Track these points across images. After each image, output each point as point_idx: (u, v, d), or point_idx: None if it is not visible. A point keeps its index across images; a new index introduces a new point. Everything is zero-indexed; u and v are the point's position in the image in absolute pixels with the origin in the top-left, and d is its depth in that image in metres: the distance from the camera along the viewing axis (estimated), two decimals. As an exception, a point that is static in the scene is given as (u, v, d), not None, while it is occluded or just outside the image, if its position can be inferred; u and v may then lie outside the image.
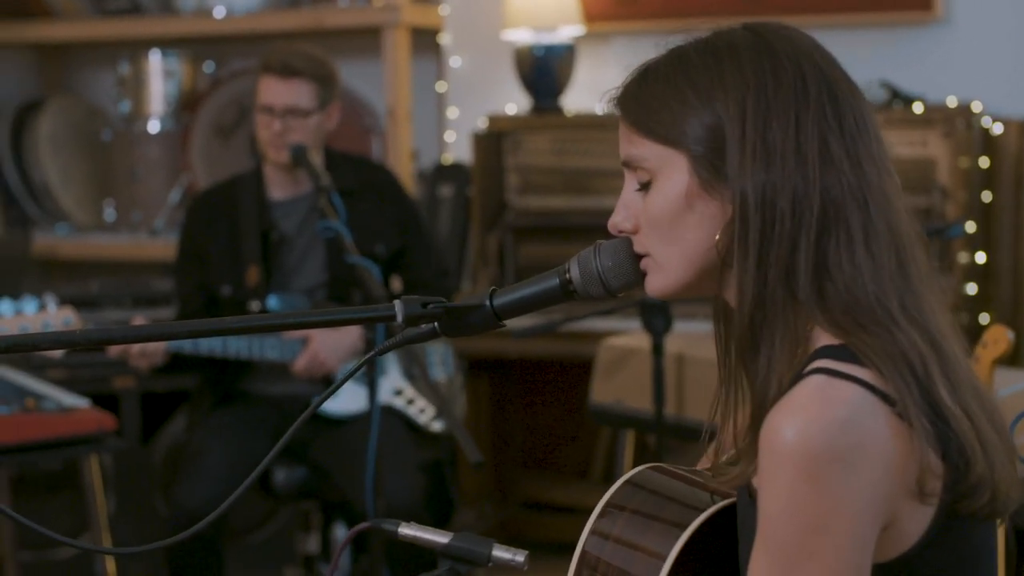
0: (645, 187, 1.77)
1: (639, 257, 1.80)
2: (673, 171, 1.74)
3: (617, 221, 1.80)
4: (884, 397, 1.63)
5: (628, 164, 1.79)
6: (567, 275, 1.82)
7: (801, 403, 1.62)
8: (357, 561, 4.82)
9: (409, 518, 3.87)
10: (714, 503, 1.83)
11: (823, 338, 1.70)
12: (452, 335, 1.85)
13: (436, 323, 1.83)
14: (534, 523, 5.32)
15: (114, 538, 4.62)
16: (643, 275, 1.80)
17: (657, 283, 1.78)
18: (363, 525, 1.92)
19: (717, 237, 1.72)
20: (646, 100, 1.76)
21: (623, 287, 1.82)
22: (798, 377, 1.66)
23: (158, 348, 3.85)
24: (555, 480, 5.38)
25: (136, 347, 3.83)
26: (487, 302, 1.83)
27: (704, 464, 2.01)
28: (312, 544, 4.49)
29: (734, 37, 1.76)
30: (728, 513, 1.82)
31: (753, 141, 1.69)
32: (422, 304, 1.82)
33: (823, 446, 1.59)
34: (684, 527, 1.80)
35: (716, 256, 1.73)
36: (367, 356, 1.83)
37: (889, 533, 1.65)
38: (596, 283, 1.81)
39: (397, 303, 1.81)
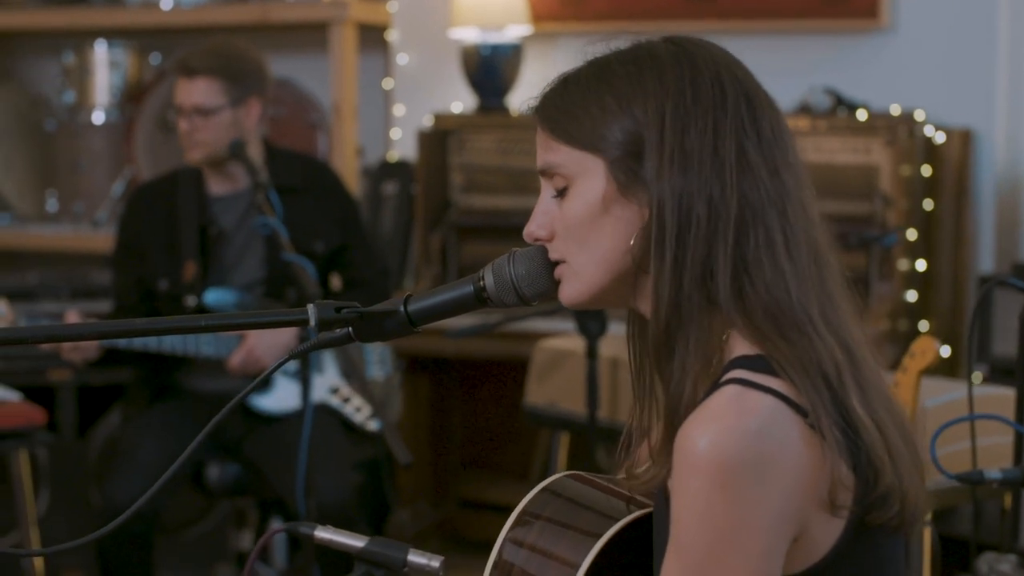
0: (562, 193, 1.77)
1: (554, 265, 1.79)
2: (590, 176, 1.74)
3: (532, 229, 1.80)
4: (797, 408, 1.64)
5: (545, 172, 1.79)
6: (481, 282, 1.82)
7: (716, 412, 1.63)
8: (292, 559, 4.80)
9: (340, 517, 3.91)
10: (630, 512, 1.82)
11: (740, 347, 1.70)
12: (367, 340, 1.84)
13: (350, 328, 1.82)
14: (472, 523, 5.31)
15: (48, 532, 4.59)
16: (557, 283, 1.79)
17: (571, 291, 1.79)
18: (277, 528, 1.92)
19: (632, 242, 1.72)
20: (566, 107, 1.76)
21: (537, 295, 1.81)
22: (714, 386, 1.67)
23: (91, 342, 3.82)
24: (494, 480, 5.37)
25: (69, 343, 3.81)
26: (401, 308, 1.83)
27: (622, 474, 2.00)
28: (246, 541, 4.48)
29: (655, 48, 1.76)
30: (643, 523, 1.82)
31: (671, 146, 1.70)
32: (336, 308, 1.81)
33: (736, 456, 1.59)
34: (598, 536, 1.80)
35: (631, 262, 1.73)
36: (279, 362, 1.81)
37: (799, 544, 1.66)
38: (510, 291, 1.81)
39: (310, 307, 1.80)
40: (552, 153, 1.77)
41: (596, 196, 1.73)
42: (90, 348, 3.86)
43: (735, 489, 1.59)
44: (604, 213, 1.73)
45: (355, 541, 1.87)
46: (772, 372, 1.65)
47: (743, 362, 1.67)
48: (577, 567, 1.79)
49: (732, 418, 1.61)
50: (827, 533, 1.66)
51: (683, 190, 1.69)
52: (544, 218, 1.79)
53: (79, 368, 4.50)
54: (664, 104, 1.71)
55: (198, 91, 4.01)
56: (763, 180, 1.70)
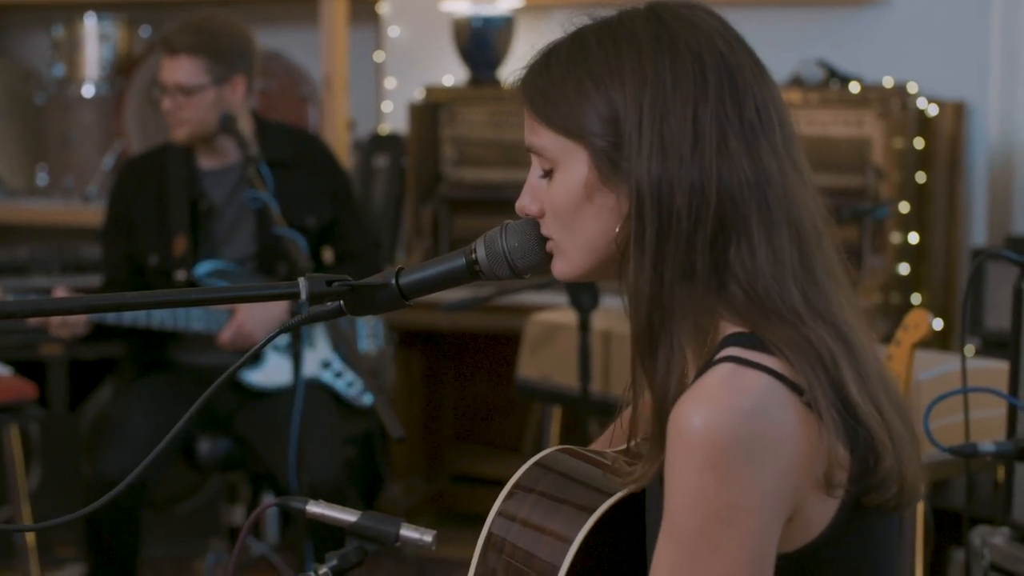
0: (548, 175, 1.76)
1: (546, 239, 1.78)
2: (573, 162, 1.72)
3: (524, 203, 1.79)
4: (792, 386, 1.62)
5: (532, 151, 1.78)
6: (473, 255, 1.81)
7: (709, 391, 1.61)
8: (284, 534, 4.80)
9: (332, 492, 3.90)
10: (623, 487, 1.81)
11: (731, 327, 1.68)
12: (358, 313, 1.83)
13: (342, 301, 1.81)
14: (465, 496, 5.31)
15: (40, 507, 4.58)
16: (550, 256, 1.78)
17: (561, 267, 1.78)
18: (268, 503, 1.91)
19: (617, 230, 1.71)
20: (547, 89, 1.74)
21: (529, 268, 1.80)
22: (707, 365, 1.65)
23: (79, 318, 3.80)
24: (486, 453, 5.37)
25: (57, 316, 3.78)
26: (393, 281, 1.82)
27: (604, 440, 1.99)
28: (238, 516, 4.47)
29: (635, 24, 1.72)
30: (637, 498, 1.81)
31: (649, 137, 1.67)
32: (327, 282, 1.80)
33: (730, 435, 1.58)
34: (591, 511, 1.79)
35: (616, 249, 1.71)
36: (270, 336, 1.80)
37: (794, 523, 1.65)
38: (502, 263, 1.80)
39: (301, 280, 1.79)
40: (536, 136, 1.75)
41: (579, 183, 1.72)
42: (78, 324, 3.83)
43: (729, 468, 1.58)
44: (587, 200, 1.72)
45: (347, 516, 1.86)
46: (766, 350, 1.63)
47: (737, 339, 1.66)
48: (570, 542, 1.78)
49: (726, 397, 1.60)
50: (822, 512, 1.65)
51: (662, 182, 1.66)
52: (534, 193, 1.78)
53: (69, 343, 4.50)
54: (642, 92, 1.68)
55: (180, 69, 3.97)
56: (744, 168, 1.67)
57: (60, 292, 3.92)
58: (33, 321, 3.93)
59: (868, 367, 1.70)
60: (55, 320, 3.80)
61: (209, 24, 4.03)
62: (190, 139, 4.03)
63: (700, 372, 1.65)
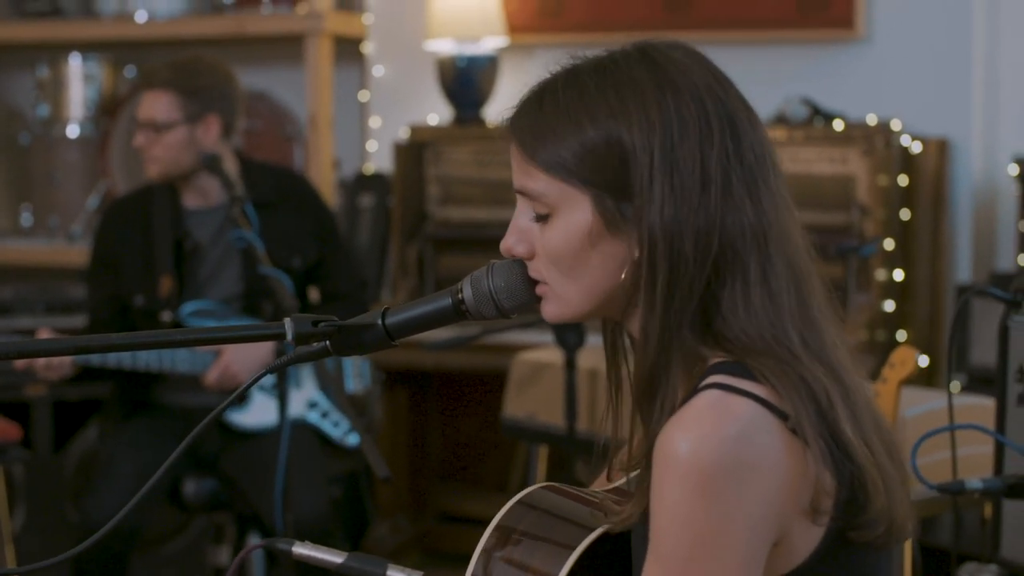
0: (543, 219, 1.73)
1: (533, 280, 1.78)
2: (574, 208, 1.70)
3: (510, 244, 1.77)
4: (778, 413, 1.62)
5: (523, 194, 1.75)
6: (459, 295, 1.80)
7: (695, 417, 1.61)
8: (270, 575, 4.77)
9: (318, 532, 3.88)
10: (606, 523, 1.81)
11: (718, 356, 1.68)
12: (344, 354, 1.83)
13: (328, 341, 1.81)
14: (451, 536, 5.30)
15: (24, 549, 4.55)
16: (537, 298, 1.78)
17: (554, 310, 1.77)
18: (254, 545, 1.90)
19: (623, 276, 1.70)
20: (544, 134, 1.70)
21: (516, 308, 1.80)
22: (693, 391, 1.65)
23: (65, 360, 3.79)
24: (473, 492, 5.35)
25: (42, 359, 3.77)
26: (379, 321, 1.82)
27: (600, 483, 1.99)
28: (223, 557, 4.44)
29: (632, 66, 1.71)
30: (621, 533, 1.80)
31: (661, 184, 1.66)
32: (313, 322, 1.80)
33: (716, 461, 1.58)
34: (573, 548, 1.79)
35: (621, 295, 1.71)
36: (255, 377, 1.80)
37: (779, 549, 1.65)
38: (488, 304, 1.79)
39: (287, 321, 1.79)
40: (531, 180, 1.72)
41: (582, 230, 1.70)
42: (64, 366, 3.81)
43: (715, 495, 1.58)
44: (590, 247, 1.70)
45: (333, 557, 1.86)
46: (752, 377, 1.64)
47: (722, 367, 1.66)
48: None
49: (712, 423, 1.60)
50: (807, 539, 1.65)
51: (673, 228, 1.66)
52: (523, 235, 1.76)
53: (53, 385, 4.48)
54: (652, 137, 1.66)
55: (152, 105, 3.97)
56: (746, 212, 1.68)
57: (44, 333, 3.90)
58: (19, 364, 3.89)
59: (860, 407, 1.70)
60: (40, 362, 3.78)
61: (191, 63, 4.03)
62: (163, 177, 4.02)
63: (686, 399, 1.65)
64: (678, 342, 1.68)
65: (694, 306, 1.67)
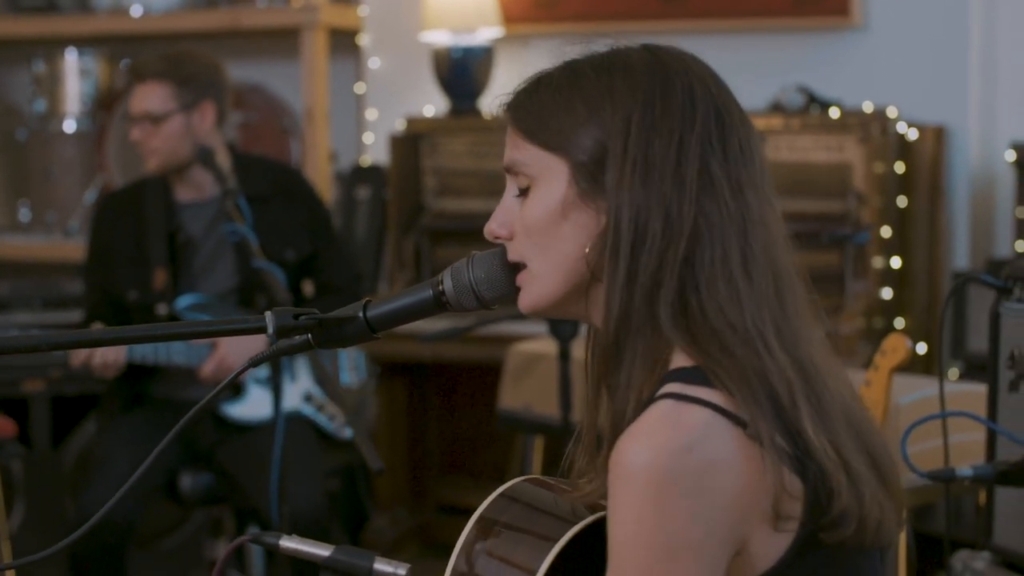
0: (524, 192, 1.76)
1: (513, 269, 1.78)
2: (553, 178, 1.73)
3: (493, 227, 1.79)
4: (735, 419, 1.61)
5: (510, 169, 1.78)
6: (440, 287, 1.81)
7: (649, 428, 1.61)
8: (269, 568, 4.77)
9: (314, 525, 3.88)
10: (588, 515, 1.81)
11: (679, 360, 1.68)
12: (326, 347, 1.83)
13: (309, 334, 1.80)
14: (450, 527, 5.28)
15: (23, 544, 4.55)
16: (517, 288, 1.78)
17: (529, 297, 1.77)
18: (243, 538, 1.90)
19: (588, 249, 1.70)
20: (535, 108, 1.74)
21: (496, 299, 1.80)
22: (649, 401, 1.65)
23: (120, 357, 3.85)
24: (471, 484, 5.35)
25: (99, 358, 3.83)
26: (360, 314, 1.81)
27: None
28: (222, 550, 4.45)
29: (630, 55, 1.75)
30: (602, 526, 1.80)
31: (634, 157, 1.68)
32: (294, 316, 1.79)
33: (670, 471, 1.57)
34: (555, 541, 1.78)
35: (586, 268, 1.71)
36: (238, 369, 1.79)
37: (741, 559, 1.63)
38: (469, 295, 1.79)
39: (268, 315, 1.79)
40: (518, 151, 1.75)
41: (556, 199, 1.72)
42: (120, 363, 3.86)
43: (669, 506, 1.57)
44: (563, 217, 1.72)
45: (320, 550, 1.86)
46: (708, 383, 1.63)
47: (679, 375, 1.65)
48: (535, 572, 1.77)
49: (665, 433, 1.59)
50: (770, 548, 1.63)
51: (641, 202, 1.67)
52: (505, 216, 1.78)
53: (53, 379, 4.49)
54: (631, 114, 1.69)
55: (148, 97, 3.97)
56: (725, 199, 1.68)
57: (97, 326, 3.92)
58: (75, 361, 3.91)
59: (830, 405, 1.68)
60: (97, 360, 3.83)
61: (177, 54, 4.04)
62: (162, 169, 4.03)
63: (642, 409, 1.65)
64: (643, 318, 1.67)
65: (667, 284, 1.67)
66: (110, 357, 3.85)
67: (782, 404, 1.64)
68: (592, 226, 1.71)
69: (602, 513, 1.80)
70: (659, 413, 1.62)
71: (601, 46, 1.78)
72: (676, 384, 1.64)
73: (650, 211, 1.67)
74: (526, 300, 1.77)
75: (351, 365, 4.29)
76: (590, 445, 1.81)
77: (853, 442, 1.69)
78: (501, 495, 1.88)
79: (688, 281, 1.67)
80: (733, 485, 1.60)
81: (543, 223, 1.73)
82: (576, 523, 1.79)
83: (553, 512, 1.83)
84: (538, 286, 1.76)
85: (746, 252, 1.68)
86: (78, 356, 3.86)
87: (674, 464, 1.57)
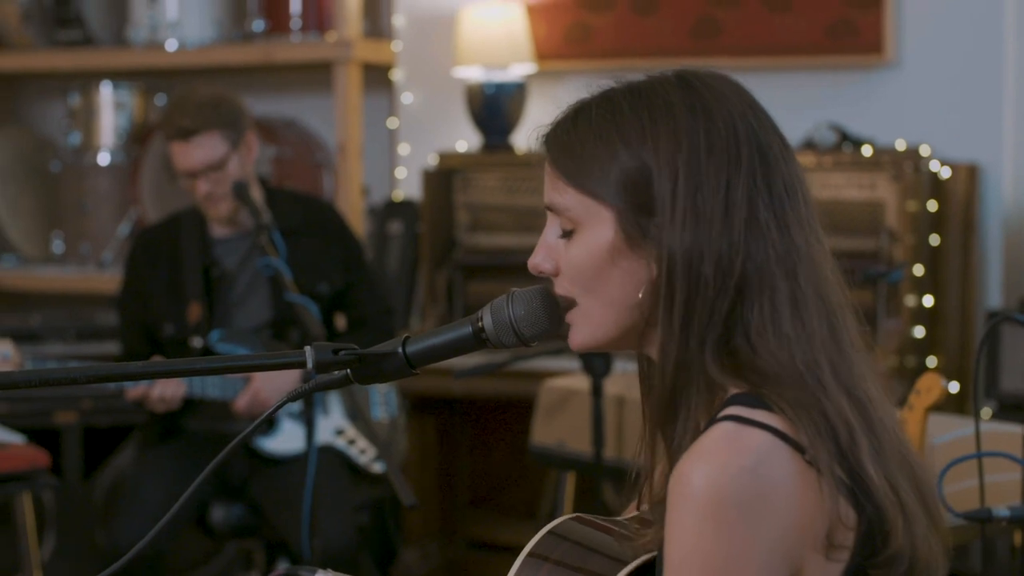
0: (568, 235, 1.74)
1: (555, 306, 1.77)
2: (598, 224, 1.71)
3: (537, 261, 1.78)
4: (794, 445, 1.61)
5: (551, 209, 1.77)
6: (480, 323, 1.80)
7: (709, 449, 1.61)
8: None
9: (345, 559, 3.88)
10: (637, 556, 1.80)
11: (737, 388, 1.68)
12: (365, 382, 1.83)
13: (348, 370, 1.81)
14: (481, 563, 5.29)
15: (54, 574, 4.57)
16: (557, 323, 1.77)
17: (581, 336, 1.76)
18: (277, 572, 1.90)
19: (640, 296, 1.70)
20: (575, 149, 1.72)
21: (536, 336, 1.79)
22: (710, 423, 1.65)
23: (178, 392, 3.88)
24: (502, 520, 5.34)
25: (157, 393, 3.86)
26: (400, 349, 1.81)
27: (631, 511, 1.98)
28: (252, 583, 4.45)
29: (668, 90, 1.72)
30: (650, 567, 1.79)
31: (683, 204, 1.67)
32: (334, 351, 1.79)
33: (730, 493, 1.58)
34: None
35: (639, 315, 1.71)
36: (276, 404, 1.80)
37: None
38: (509, 332, 1.79)
39: (308, 349, 1.79)
40: (560, 195, 1.74)
41: (603, 246, 1.71)
42: (176, 398, 3.89)
43: (728, 527, 1.58)
44: (612, 264, 1.71)
45: (355, 586, 1.86)
46: (768, 408, 1.63)
47: (739, 398, 1.65)
48: None
49: (726, 455, 1.59)
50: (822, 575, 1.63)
51: (693, 251, 1.66)
52: (550, 252, 1.76)
53: (86, 411, 4.50)
54: (677, 159, 1.67)
55: (203, 150, 3.98)
56: (773, 240, 1.68)
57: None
58: (131, 395, 3.93)
59: (887, 442, 1.68)
60: (155, 395, 3.86)
61: (200, 100, 4.01)
62: (233, 212, 4.04)
63: (703, 431, 1.65)
64: (698, 365, 1.67)
65: (717, 330, 1.66)
66: (168, 392, 3.87)
67: (840, 440, 1.63)
68: (641, 272, 1.70)
69: (654, 553, 1.80)
70: (720, 434, 1.62)
71: (636, 76, 1.76)
72: (737, 407, 1.64)
73: (702, 259, 1.66)
74: (578, 339, 1.76)
75: (382, 400, 4.29)
76: (651, 489, 1.80)
77: (906, 480, 1.68)
78: (550, 532, 1.87)
79: (739, 327, 1.67)
80: (791, 509, 1.60)
81: (592, 269, 1.72)
82: (628, 563, 1.78)
83: (603, 551, 1.83)
84: (591, 327, 1.75)
85: (796, 293, 1.68)
86: (136, 390, 3.88)
87: (735, 485, 1.58)
